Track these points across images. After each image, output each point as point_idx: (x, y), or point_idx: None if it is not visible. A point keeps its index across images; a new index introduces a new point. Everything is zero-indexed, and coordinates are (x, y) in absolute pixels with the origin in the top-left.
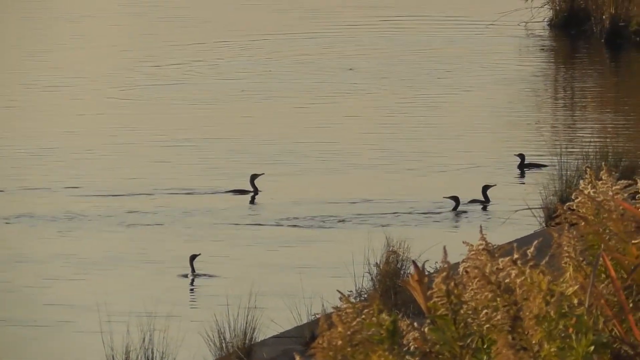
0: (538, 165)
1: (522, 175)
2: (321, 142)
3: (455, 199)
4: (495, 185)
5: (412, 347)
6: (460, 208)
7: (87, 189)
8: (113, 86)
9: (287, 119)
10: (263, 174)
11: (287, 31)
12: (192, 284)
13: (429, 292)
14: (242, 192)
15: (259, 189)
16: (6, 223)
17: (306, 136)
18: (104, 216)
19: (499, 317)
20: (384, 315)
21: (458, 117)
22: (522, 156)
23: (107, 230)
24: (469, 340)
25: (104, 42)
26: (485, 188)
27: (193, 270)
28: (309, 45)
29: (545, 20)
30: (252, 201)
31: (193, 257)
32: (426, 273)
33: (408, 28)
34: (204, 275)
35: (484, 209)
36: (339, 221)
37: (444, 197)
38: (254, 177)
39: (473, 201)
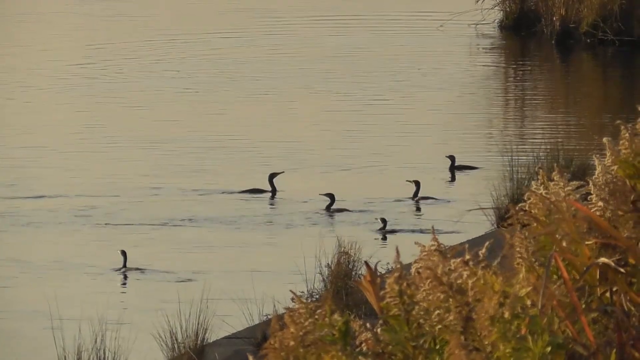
0: (469, 168)
1: (453, 177)
2: (266, 141)
3: (331, 196)
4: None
5: (364, 348)
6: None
7: (25, 190)
8: (61, 86)
9: (230, 118)
10: (283, 172)
11: (234, 31)
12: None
13: (382, 293)
14: (260, 191)
15: (277, 188)
16: None
17: (254, 136)
18: (53, 218)
19: (451, 317)
20: (336, 316)
21: (407, 117)
22: (452, 158)
23: (56, 232)
24: (422, 341)
25: (45, 42)
26: (417, 184)
27: (125, 264)
28: (255, 46)
29: (496, 21)
30: (272, 199)
31: (123, 253)
32: (378, 274)
33: (358, 28)
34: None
35: (418, 210)
36: (289, 222)
37: (319, 194)
38: (272, 175)
39: (421, 198)
